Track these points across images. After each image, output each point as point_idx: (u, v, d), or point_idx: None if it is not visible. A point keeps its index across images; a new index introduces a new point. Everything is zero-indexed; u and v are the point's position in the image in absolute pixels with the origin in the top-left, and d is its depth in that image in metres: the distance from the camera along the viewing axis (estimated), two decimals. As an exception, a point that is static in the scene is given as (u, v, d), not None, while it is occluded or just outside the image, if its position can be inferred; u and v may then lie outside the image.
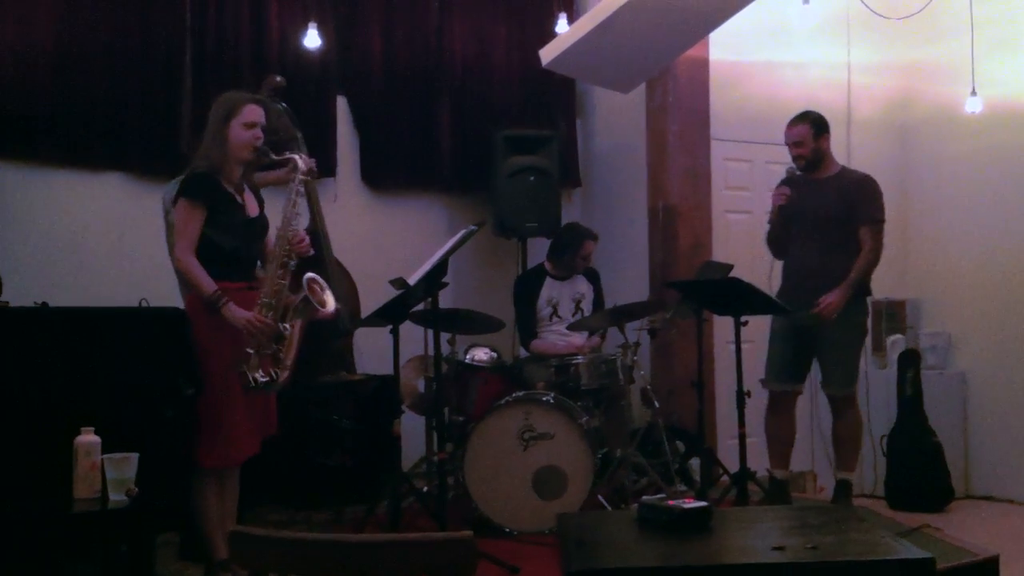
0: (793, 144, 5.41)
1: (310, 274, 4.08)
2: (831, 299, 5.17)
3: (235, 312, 3.87)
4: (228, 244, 3.97)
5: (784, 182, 5.38)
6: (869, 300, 5.50)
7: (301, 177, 4.14)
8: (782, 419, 5.45)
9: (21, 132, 5.46)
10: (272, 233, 4.13)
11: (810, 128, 5.38)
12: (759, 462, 5.45)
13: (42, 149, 5.58)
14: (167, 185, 4.98)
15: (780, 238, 5.47)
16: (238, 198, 4.04)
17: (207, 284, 3.87)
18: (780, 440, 5.46)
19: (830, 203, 5.33)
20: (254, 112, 4.05)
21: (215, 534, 3.98)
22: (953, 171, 6.60)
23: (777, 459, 5.46)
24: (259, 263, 4.22)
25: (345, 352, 5.67)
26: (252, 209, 4.12)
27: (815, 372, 5.53)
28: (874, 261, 5.33)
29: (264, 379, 3.86)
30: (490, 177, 6.63)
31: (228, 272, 3.96)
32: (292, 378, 3.98)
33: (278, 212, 4.10)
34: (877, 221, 5.34)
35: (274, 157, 4.15)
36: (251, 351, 3.86)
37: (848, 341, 5.33)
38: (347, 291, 5.52)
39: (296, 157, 4.18)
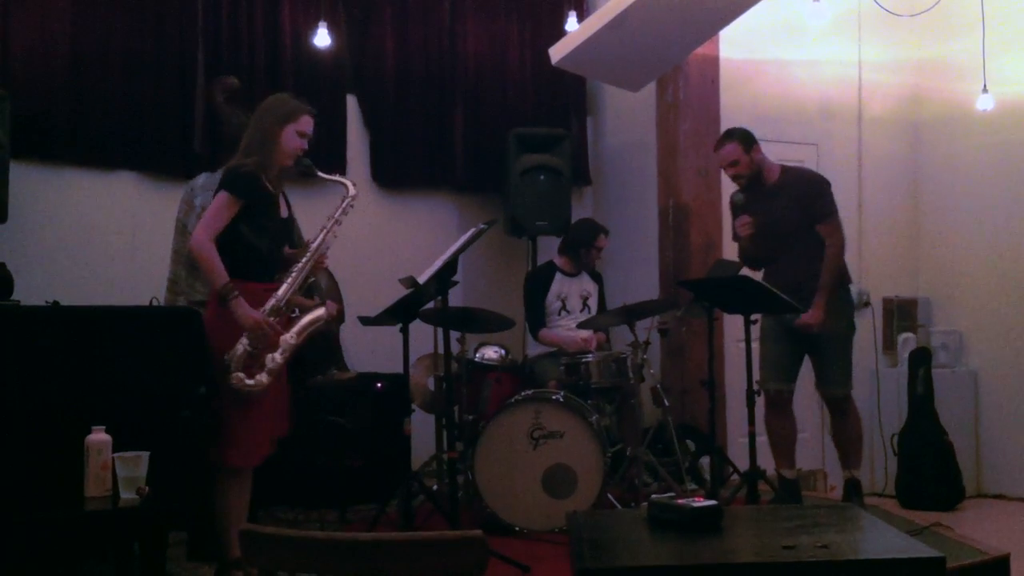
0: (728, 165, 5.30)
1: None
2: (813, 318, 5.12)
3: (245, 309, 3.87)
4: (263, 245, 4.00)
5: (739, 209, 5.26)
6: (853, 288, 5.42)
7: (350, 202, 4.18)
8: (783, 418, 5.42)
9: (35, 132, 5.48)
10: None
11: (739, 144, 5.28)
12: (770, 461, 5.43)
13: (55, 149, 5.60)
14: (198, 179, 4.90)
15: (752, 255, 5.43)
16: (276, 200, 4.07)
17: (221, 275, 3.86)
18: (783, 439, 5.43)
19: (786, 211, 5.25)
20: (309, 123, 4.08)
21: (232, 533, 3.98)
22: (965, 168, 6.58)
23: (782, 458, 5.44)
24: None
25: (334, 350, 5.65)
26: (283, 210, 4.16)
27: (809, 372, 5.49)
28: (838, 255, 5.24)
29: (250, 382, 3.88)
30: (501, 176, 6.63)
31: (259, 272, 3.98)
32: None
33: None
34: (830, 215, 5.26)
35: (321, 175, 4.18)
36: (249, 349, 3.87)
37: (839, 337, 5.26)
38: (329, 289, 5.51)
39: (349, 183, 4.22)
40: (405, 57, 6.65)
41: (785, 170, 5.41)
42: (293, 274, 4.03)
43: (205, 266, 3.89)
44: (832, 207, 5.30)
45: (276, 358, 3.92)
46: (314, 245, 4.09)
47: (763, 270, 5.46)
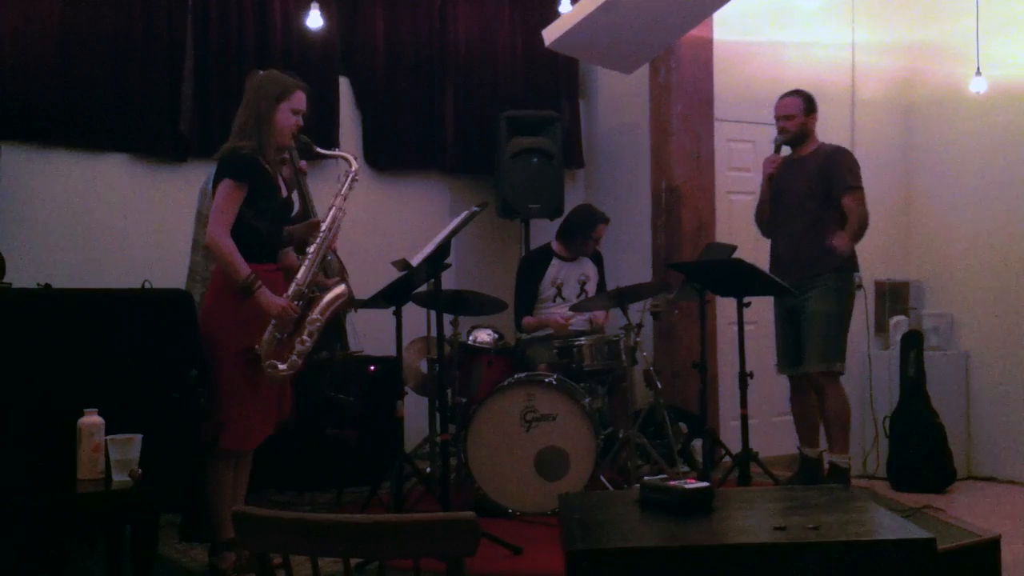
0: (784, 116, 5.42)
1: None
2: (839, 243, 5.18)
3: (270, 298, 3.88)
4: (265, 227, 3.98)
5: (775, 151, 5.40)
6: (857, 276, 5.43)
7: (354, 176, 4.17)
8: (803, 399, 5.45)
9: (25, 114, 5.45)
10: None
11: (802, 102, 5.41)
12: (761, 443, 5.45)
13: (45, 131, 5.57)
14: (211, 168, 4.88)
15: (767, 214, 5.49)
16: (276, 180, 4.05)
17: (243, 267, 3.85)
18: (804, 419, 5.47)
19: (809, 180, 5.35)
20: (302, 99, 4.06)
21: (225, 514, 3.98)
22: (957, 151, 6.58)
23: (805, 438, 5.49)
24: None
25: (339, 330, 5.65)
26: (283, 191, 4.14)
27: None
28: (863, 217, 5.31)
29: (283, 367, 3.91)
30: (493, 158, 6.62)
31: (261, 254, 3.97)
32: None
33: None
34: (856, 188, 5.33)
35: (320, 151, 4.17)
36: (277, 336, 3.89)
37: (828, 314, 5.26)
38: (338, 273, 5.50)
39: (350, 157, 4.22)
40: (396, 38, 6.62)
41: (820, 145, 5.50)
42: (310, 256, 4.04)
43: (225, 259, 3.87)
44: (855, 180, 5.35)
45: (305, 340, 3.97)
46: (325, 224, 4.11)
47: (771, 238, 5.55)
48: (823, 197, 5.32)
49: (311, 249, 4.05)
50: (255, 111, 3.98)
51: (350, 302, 4.18)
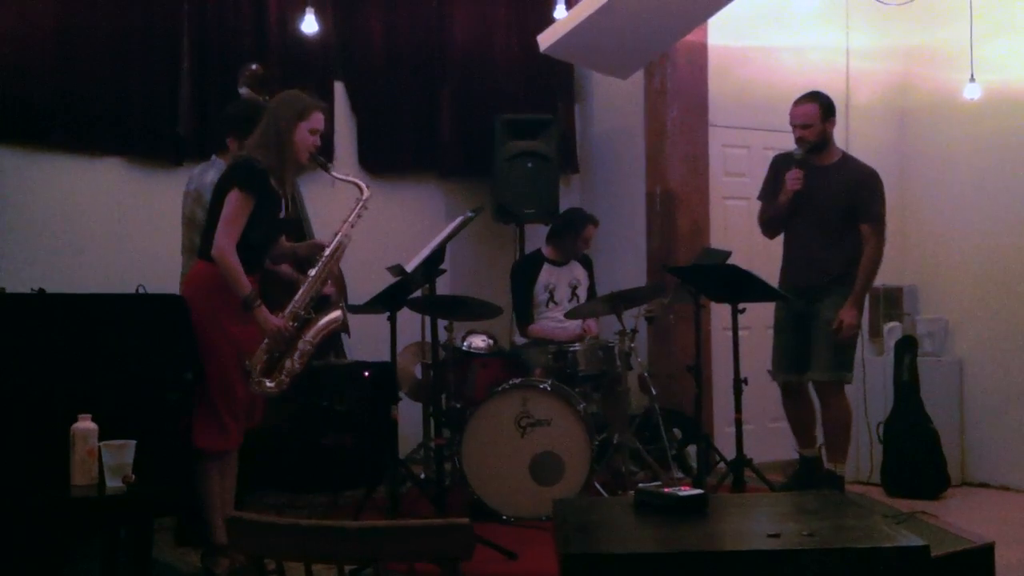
0: (801, 126, 5.25)
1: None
2: (847, 320, 5.15)
3: (267, 316, 3.90)
4: (256, 239, 3.98)
5: (794, 164, 5.24)
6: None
7: (364, 205, 4.19)
8: (798, 402, 5.42)
9: (20, 116, 5.45)
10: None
11: (820, 109, 5.25)
12: (755, 449, 5.45)
13: (41, 133, 5.57)
14: (194, 170, 4.87)
15: (781, 220, 5.42)
16: (277, 197, 4.05)
17: (245, 284, 3.87)
18: (799, 422, 5.45)
19: (835, 193, 5.25)
20: (320, 119, 4.08)
21: (217, 518, 3.99)
22: (951, 157, 6.59)
23: (801, 439, 5.47)
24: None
25: (334, 337, 5.65)
26: (282, 212, 4.15)
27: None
28: (878, 260, 5.29)
29: (271, 385, 3.91)
30: (488, 162, 6.62)
31: (248, 265, 3.95)
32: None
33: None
34: (880, 219, 5.29)
35: (335, 175, 4.19)
36: (266, 355, 3.90)
37: (831, 325, 5.22)
38: (334, 279, 5.51)
39: (363, 185, 4.24)
40: (392, 43, 6.62)
41: (846, 156, 5.41)
42: (310, 279, 4.04)
43: (230, 274, 3.86)
44: (881, 209, 5.29)
45: (296, 362, 3.96)
46: (328, 250, 4.10)
47: (783, 237, 5.47)
48: (845, 213, 5.25)
49: (312, 272, 4.06)
50: (275, 128, 3.99)
51: (344, 325, 4.18)
